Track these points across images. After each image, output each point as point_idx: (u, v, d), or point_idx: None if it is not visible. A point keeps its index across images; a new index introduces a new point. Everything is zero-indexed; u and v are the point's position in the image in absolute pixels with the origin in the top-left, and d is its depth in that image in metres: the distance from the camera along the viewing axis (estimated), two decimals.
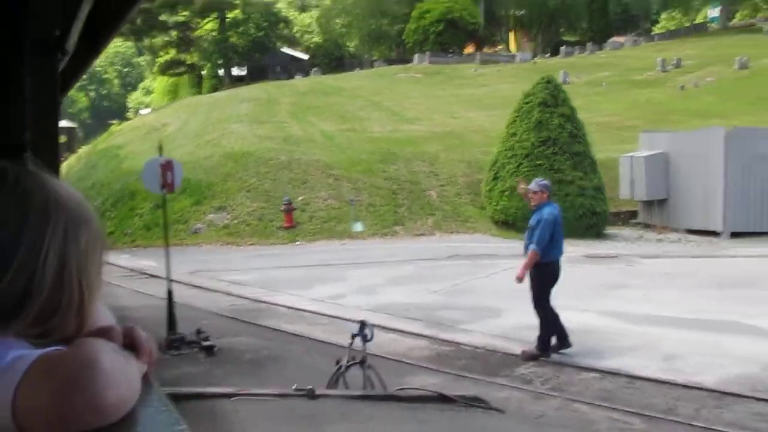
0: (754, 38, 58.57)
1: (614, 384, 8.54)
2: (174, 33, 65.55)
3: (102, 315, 1.05)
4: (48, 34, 2.04)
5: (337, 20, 69.07)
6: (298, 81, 53.33)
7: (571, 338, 9.67)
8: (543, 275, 9.99)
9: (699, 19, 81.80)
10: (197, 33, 66.62)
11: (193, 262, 18.71)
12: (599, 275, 15.77)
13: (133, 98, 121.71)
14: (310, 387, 5.54)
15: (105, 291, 1.04)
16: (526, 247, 10.10)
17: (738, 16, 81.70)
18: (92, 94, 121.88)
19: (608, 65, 55.57)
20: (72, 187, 1.02)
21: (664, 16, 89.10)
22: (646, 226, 23.82)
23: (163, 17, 64.11)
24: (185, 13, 64.43)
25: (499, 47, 73.96)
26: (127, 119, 69.58)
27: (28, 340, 0.89)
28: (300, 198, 23.99)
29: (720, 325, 11.00)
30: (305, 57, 73.29)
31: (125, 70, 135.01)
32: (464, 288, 14.90)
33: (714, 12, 72.41)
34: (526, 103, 22.70)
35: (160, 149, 10.93)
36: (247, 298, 14.52)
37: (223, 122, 35.19)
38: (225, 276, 17.20)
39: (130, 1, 3.07)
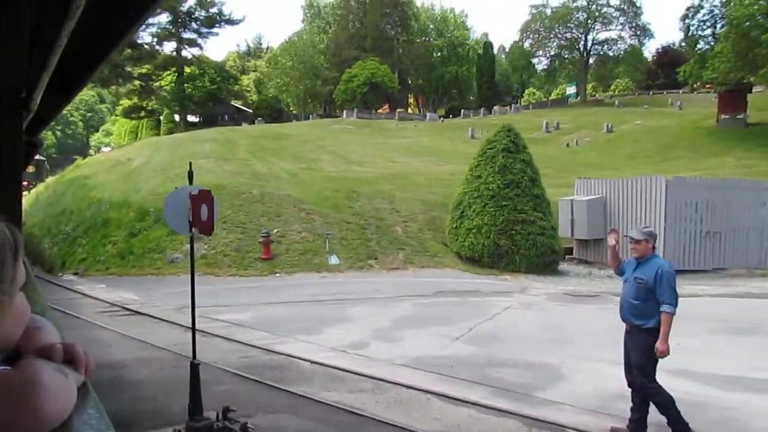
0: (608, 110, 58.91)
1: None
2: (137, 82, 58.98)
3: (47, 332, 1.01)
4: (14, 96, 1.87)
5: (274, 80, 64.41)
6: (249, 127, 48.39)
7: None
8: (653, 341, 6.20)
9: (555, 95, 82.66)
10: (157, 83, 60.24)
11: (177, 295, 13.99)
12: (603, 318, 12.26)
13: (95, 138, 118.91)
14: None
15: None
16: (631, 309, 6.30)
17: (588, 92, 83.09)
18: (58, 133, 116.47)
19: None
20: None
21: (528, 91, 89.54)
22: (582, 261, 20.81)
23: (128, 68, 57.62)
24: (148, 66, 58.19)
25: (409, 109, 71.57)
26: (89, 155, 62.81)
27: None
28: (275, 230, 19.46)
29: None
30: (248, 109, 68.43)
31: (88, 114, 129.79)
32: (484, 333, 11.02)
33: (571, 89, 72.85)
34: (490, 148, 19.34)
35: (191, 177, 6.48)
36: (256, 347, 10.04)
37: (189, 158, 29.78)
38: (218, 314, 12.57)
39: (96, 62, 3.02)
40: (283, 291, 15.48)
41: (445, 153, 39.11)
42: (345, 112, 57.90)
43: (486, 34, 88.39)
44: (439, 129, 51.76)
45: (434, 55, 75.48)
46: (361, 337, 10.67)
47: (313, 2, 77.40)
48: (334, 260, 18.34)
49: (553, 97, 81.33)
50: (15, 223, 0.95)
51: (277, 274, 17.69)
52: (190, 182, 6.37)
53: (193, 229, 6.26)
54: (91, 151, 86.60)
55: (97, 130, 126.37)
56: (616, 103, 63.34)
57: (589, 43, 70.86)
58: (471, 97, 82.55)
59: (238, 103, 69.48)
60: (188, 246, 17.72)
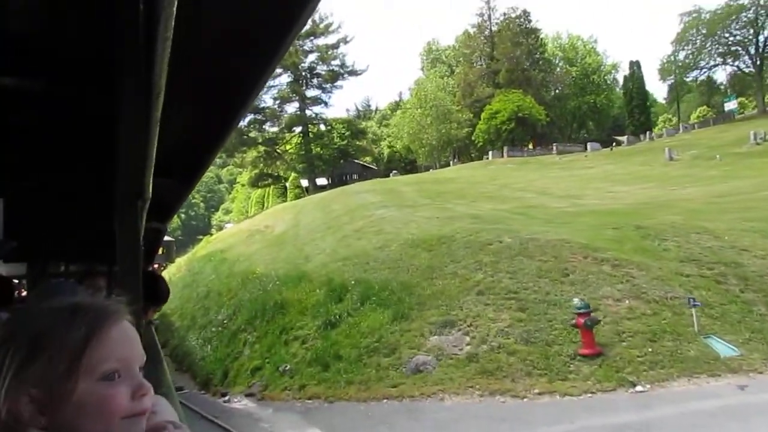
0: None
1: None
2: (262, 148, 54.47)
3: (163, 409, 0.99)
4: (131, 189, 2.04)
5: (406, 129, 57.68)
6: (398, 177, 41.27)
7: None
8: None
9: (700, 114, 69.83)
10: (282, 147, 55.45)
11: None
12: None
13: (216, 217, 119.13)
14: None
15: None
16: None
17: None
18: (183, 215, 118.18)
19: (687, 146, 43.01)
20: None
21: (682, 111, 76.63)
22: None
23: (252, 134, 53.29)
24: (273, 129, 53.83)
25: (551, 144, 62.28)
26: (211, 234, 58.78)
27: None
28: (575, 300, 10.82)
29: None
30: (374, 166, 62.24)
31: (208, 195, 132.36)
32: None
33: (731, 104, 60.10)
34: None
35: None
36: None
37: (357, 211, 22.52)
38: None
39: (209, 153, 3.25)
40: None
41: (658, 178, 29.43)
42: (491, 153, 49.78)
43: (633, 58, 78.06)
44: (617, 157, 42.02)
45: (568, 84, 66.33)
46: None
47: (431, 47, 72.00)
48: (726, 350, 9.34)
49: (698, 114, 68.49)
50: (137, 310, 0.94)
51: (638, 389, 8.89)
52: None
53: None
54: (212, 230, 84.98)
55: (217, 210, 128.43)
56: None
57: (761, 45, 58.82)
58: (608, 126, 72.28)
59: (364, 161, 63.50)
60: (434, 339, 9.58)
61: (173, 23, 1.37)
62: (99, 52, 1.82)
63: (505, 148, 48.47)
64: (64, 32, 1.79)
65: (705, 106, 68.67)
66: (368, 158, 64.31)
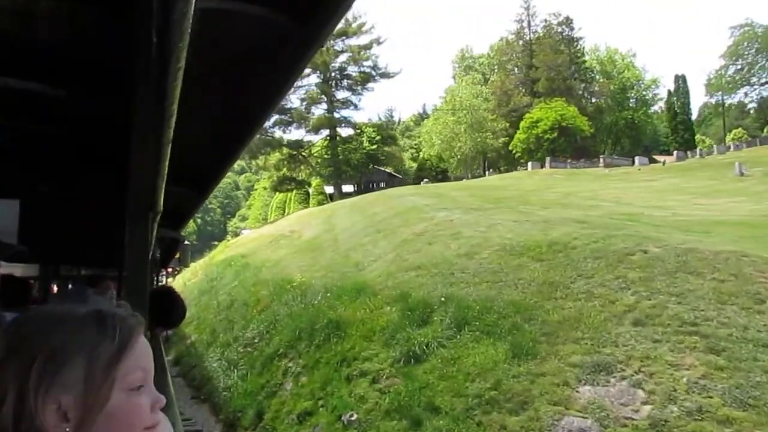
0: None
1: None
2: (286, 150, 51.25)
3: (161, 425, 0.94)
4: (142, 201, 2.03)
5: (437, 137, 54.20)
6: (439, 184, 37.79)
7: None
8: None
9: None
10: (308, 150, 52.18)
11: None
12: None
13: (232, 224, 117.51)
14: None
15: None
16: None
17: None
18: (198, 220, 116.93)
19: (751, 162, 39.08)
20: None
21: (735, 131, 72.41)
22: None
23: (276, 135, 50.18)
24: (299, 132, 50.70)
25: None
26: (226, 240, 55.87)
27: None
28: None
29: None
30: (399, 175, 58.82)
31: (225, 201, 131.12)
32: None
33: None
34: None
35: None
36: None
37: (409, 213, 18.96)
38: None
39: (226, 164, 3.25)
40: None
41: (739, 192, 25.63)
42: (530, 164, 46.12)
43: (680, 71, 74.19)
44: (676, 171, 38.22)
45: (607, 98, 62.57)
46: None
47: (465, 54, 68.77)
48: None
49: (733, 136, 64.26)
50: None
51: None
52: None
53: None
54: (228, 236, 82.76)
55: (233, 216, 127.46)
56: None
57: None
58: (644, 143, 68.42)
59: (390, 170, 60.07)
60: (587, 390, 6.17)
61: (188, 39, 1.35)
62: (116, 63, 1.81)
63: (548, 159, 44.82)
64: (86, 43, 1.81)
65: (740, 128, 64.72)
66: (391, 168, 60.92)
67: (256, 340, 13.42)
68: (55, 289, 7.57)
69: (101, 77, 1.96)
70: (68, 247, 5.97)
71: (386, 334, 9.66)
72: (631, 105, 68.14)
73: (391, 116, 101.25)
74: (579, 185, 30.35)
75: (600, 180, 34.47)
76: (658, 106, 73.13)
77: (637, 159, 46.26)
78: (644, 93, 71.16)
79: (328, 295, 12.47)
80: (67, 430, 0.79)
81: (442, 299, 9.59)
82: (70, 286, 8.05)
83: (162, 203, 2.22)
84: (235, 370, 12.70)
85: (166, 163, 1.97)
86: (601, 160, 45.47)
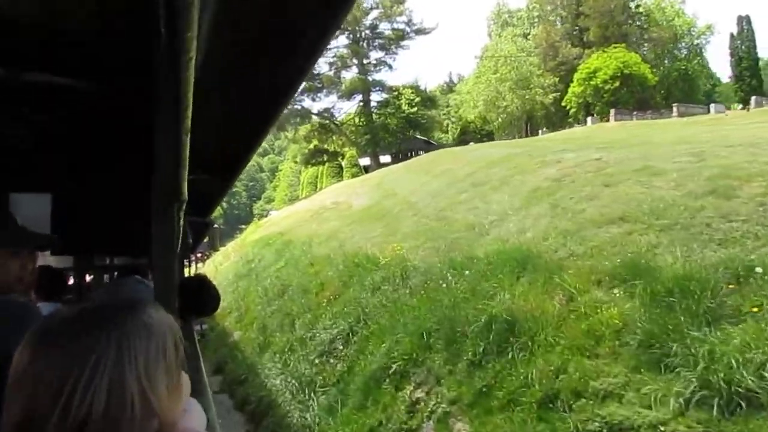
0: None
1: None
2: (316, 120, 46.45)
3: (191, 417, 0.98)
4: (166, 191, 1.94)
5: (481, 96, 48.77)
6: (509, 141, 32.71)
7: None
8: None
9: None
10: (341, 119, 47.31)
11: None
12: None
13: (258, 206, 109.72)
14: None
15: None
16: None
17: None
18: (225, 205, 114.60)
19: None
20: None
21: None
22: None
23: (306, 104, 45.33)
24: (329, 98, 45.76)
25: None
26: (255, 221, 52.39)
27: None
28: None
29: None
30: (434, 143, 53.78)
31: (250, 183, 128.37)
32: None
33: None
34: None
35: None
36: None
37: (509, 161, 14.05)
38: None
39: (249, 149, 3.18)
40: None
41: None
42: (589, 119, 40.68)
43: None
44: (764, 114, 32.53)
45: (664, 45, 56.34)
46: None
47: (500, 10, 62.87)
48: None
49: None
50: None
51: None
52: None
53: None
54: (254, 218, 79.81)
55: (259, 198, 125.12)
56: None
57: None
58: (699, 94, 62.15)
59: (424, 138, 54.95)
60: None
61: (196, 28, 1.28)
62: (139, 54, 1.71)
63: (612, 111, 39.35)
64: (113, 33, 1.75)
65: None
66: (432, 134, 55.63)
67: (338, 345, 8.78)
68: (88, 279, 7.07)
69: (126, 68, 1.89)
70: (100, 238, 5.65)
71: (632, 338, 4.88)
72: (683, 54, 62.11)
73: (418, 85, 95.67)
74: (678, 132, 25.04)
75: (693, 126, 29.03)
76: (715, 54, 66.77)
77: (712, 106, 40.51)
78: (697, 41, 64.99)
79: (452, 273, 7.69)
80: (154, 409, 0.79)
81: (757, 269, 4.74)
82: (105, 276, 7.95)
83: (186, 192, 2.11)
84: (313, 395, 8.10)
85: (186, 153, 1.90)
86: (674, 108, 39.80)
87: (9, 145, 2.57)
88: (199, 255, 33.46)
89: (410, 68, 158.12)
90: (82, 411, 0.72)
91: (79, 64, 1.93)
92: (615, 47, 44.64)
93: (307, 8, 1.70)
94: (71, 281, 6.23)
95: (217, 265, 27.90)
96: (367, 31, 45.10)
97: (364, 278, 10.33)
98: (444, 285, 7.41)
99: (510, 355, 5.59)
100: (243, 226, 57.06)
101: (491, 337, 5.80)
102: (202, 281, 3.31)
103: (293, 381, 8.83)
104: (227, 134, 2.76)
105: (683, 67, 60.96)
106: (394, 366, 6.86)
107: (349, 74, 46.38)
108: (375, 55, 45.69)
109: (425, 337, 6.67)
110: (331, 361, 8.58)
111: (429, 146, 54.11)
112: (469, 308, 6.56)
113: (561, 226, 7.42)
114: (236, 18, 1.67)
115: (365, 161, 49.64)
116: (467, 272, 7.46)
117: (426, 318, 7.03)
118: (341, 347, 8.69)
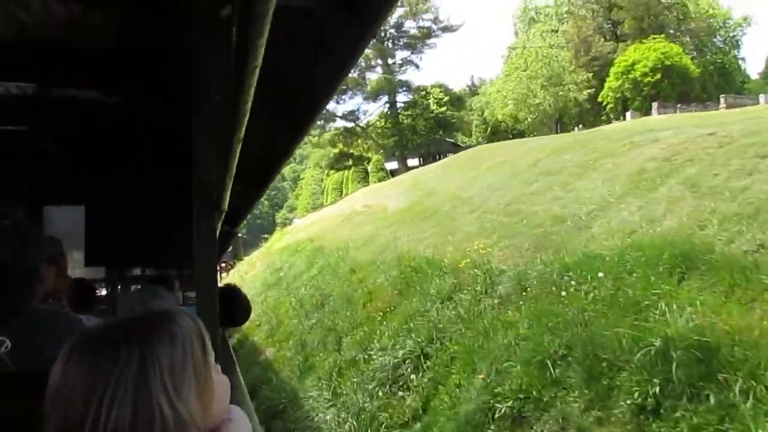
0: None
1: None
2: (341, 123, 44.84)
3: (235, 427, 0.92)
4: (209, 198, 1.88)
5: (511, 94, 46.65)
6: (552, 136, 30.73)
7: None
8: None
9: None
10: (365, 123, 45.56)
11: None
12: None
13: (280, 215, 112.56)
14: None
15: None
16: None
17: None
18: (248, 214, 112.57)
19: None
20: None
21: None
22: None
23: (330, 107, 43.55)
24: (353, 101, 44.06)
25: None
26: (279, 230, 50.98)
27: None
28: None
29: None
30: (462, 145, 51.76)
31: (272, 193, 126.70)
32: None
33: None
34: None
35: None
36: None
37: (583, 147, 12.01)
38: None
39: (279, 162, 3.30)
40: None
41: None
42: (629, 113, 38.31)
43: None
44: None
45: (702, 36, 53.73)
46: None
47: (527, 7, 60.78)
48: None
49: None
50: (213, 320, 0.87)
51: None
52: None
53: None
54: (277, 227, 78.73)
55: (281, 207, 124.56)
56: None
57: None
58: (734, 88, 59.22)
59: (454, 139, 52.91)
60: None
61: (263, 50, 1.37)
62: (172, 66, 1.78)
63: (654, 105, 36.93)
64: (139, 50, 1.80)
65: None
66: (461, 135, 53.52)
67: (405, 372, 6.84)
68: (120, 289, 6.78)
69: (157, 82, 1.92)
70: (132, 249, 5.47)
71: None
72: (719, 47, 59.42)
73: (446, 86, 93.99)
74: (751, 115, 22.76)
75: (759, 113, 26.68)
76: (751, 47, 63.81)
77: (761, 97, 37.80)
78: (732, 34, 62.13)
79: (568, 277, 5.71)
80: (201, 414, 0.79)
81: None
82: (136, 286, 7.38)
83: (227, 202, 2.22)
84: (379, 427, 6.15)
85: (235, 162, 1.99)
86: (722, 100, 37.24)
87: (43, 159, 2.68)
88: (222, 265, 32.07)
89: (433, 70, 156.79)
90: (110, 426, 0.70)
91: (106, 79, 1.99)
92: (654, 38, 42.18)
93: (338, 29, 1.82)
94: (104, 292, 6.40)
95: (243, 275, 26.75)
96: (392, 30, 43.35)
97: (426, 286, 8.38)
98: (563, 294, 5.41)
99: (711, 398, 3.58)
100: (266, 236, 55.71)
101: (674, 369, 3.79)
102: (232, 290, 3.22)
103: (349, 418, 6.90)
104: (266, 142, 2.82)
105: (719, 60, 58.27)
106: (502, 407, 4.87)
107: (374, 75, 44.69)
108: (400, 54, 43.91)
109: (549, 367, 4.68)
110: (399, 393, 6.64)
111: (457, 148, 52.08)
112: (613, 326, 4.56)
113: (721, 209, 5.40)
114: (272, 32, 1.63)
115: (392, 165, 47.72)
116: (589, 275, 5.46)
117: (542, 339, 5.03)
118: (410, 374, 6.74)
